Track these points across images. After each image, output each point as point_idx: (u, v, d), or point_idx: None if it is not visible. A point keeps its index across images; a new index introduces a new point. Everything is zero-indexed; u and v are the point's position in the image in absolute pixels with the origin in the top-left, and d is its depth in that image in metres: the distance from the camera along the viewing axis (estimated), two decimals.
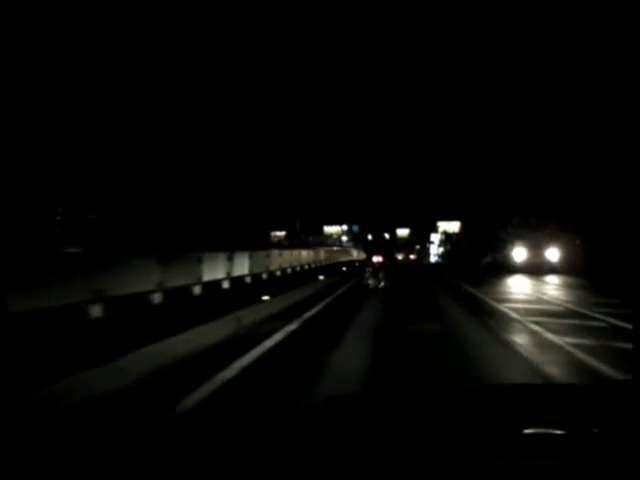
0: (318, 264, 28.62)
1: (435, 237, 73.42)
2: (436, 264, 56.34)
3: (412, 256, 57.36)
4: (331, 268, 27.31)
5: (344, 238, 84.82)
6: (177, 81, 26.23)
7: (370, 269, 21.56)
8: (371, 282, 19.97)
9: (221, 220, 29.39)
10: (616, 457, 1.16)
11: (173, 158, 26.04)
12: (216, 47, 29.96)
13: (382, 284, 19.90)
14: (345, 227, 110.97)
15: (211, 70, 29.10)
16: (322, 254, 32.41)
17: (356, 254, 50.86)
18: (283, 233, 56.91)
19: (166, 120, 25.17)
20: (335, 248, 45.07)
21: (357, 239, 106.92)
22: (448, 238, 58.14)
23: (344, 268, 27.29)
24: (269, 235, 50.11)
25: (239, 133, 32.96)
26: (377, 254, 27.62)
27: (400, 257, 49.85)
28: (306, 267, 25.42)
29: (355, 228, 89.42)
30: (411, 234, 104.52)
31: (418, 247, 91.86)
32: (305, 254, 26.56)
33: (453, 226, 64.43)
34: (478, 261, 32.18)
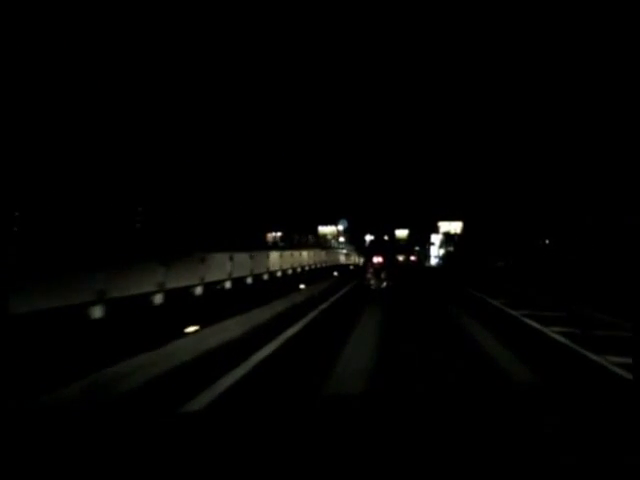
0: (265, 276, 18.06)
1: (436, 238, 73.30)
2: (439, 268, 53.69)
3: (413, 257, 57.42)
4: (279, 284, 16.41)
5: (341, 239, 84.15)
6: (177, 85, 26.50)
7: (372, 270, 22.21)
8: (373, 283, 20.37)
9: (217, 220, 29.42)
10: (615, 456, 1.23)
11: (171, 159, 26.19)
12: (215, 49, 30.15)
13: (384, 284, 20.28)
14: (341, 227, 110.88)
15: (210, 75, 29.37)
16: (273, 260, 19.92)
17: (344, 258, 41.31)
18: (279, 234, 56.80)
19: (166, 122, 25.37)
20: (305, 252, 27.29)
21: (352, 240, 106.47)
22: (450, 239, 58.15)
23: (302, 286, 15.50)
24: (265, 236, 49.97)
25: (235, 133, 33.07)
26: (377, 255, 28.28)
27: (401, 259, 49.83)
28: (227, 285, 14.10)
29: (343, 224, 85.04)
30: (410, 235, 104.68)
31: (418, 248, 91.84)
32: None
33: (455, 226, 64.21)
34: (486, 265, 30.69)
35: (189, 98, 27.77)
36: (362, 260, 44.99)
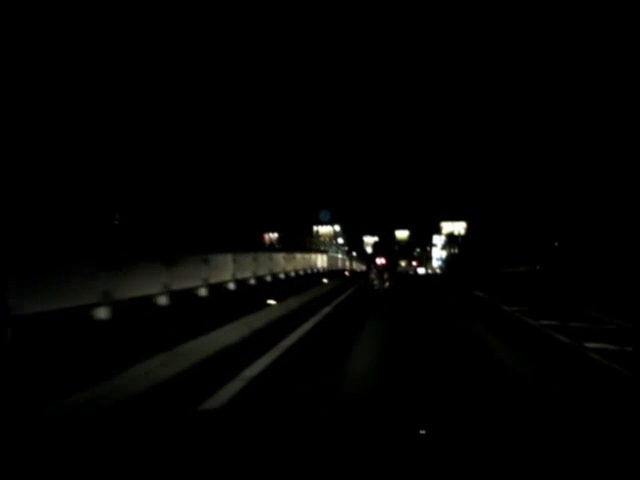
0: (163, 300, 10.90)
1: (438, 239, 72.83)
2: (444, 274, 50.05)
3: (414, 262, 57.28)
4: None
5: (340, 240, 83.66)
6: (175, 87, 26.87)
7: (375, 271, 23.54)
8: (376, 283, 21.65)
9: (215, 221, 29.46)
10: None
11: (168, 159, 26.39)
12: (210, 46, 30.43)
13: (387, 284, 21.58)
14: (337, 227, 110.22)
15: (205, 74, 29.64)
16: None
17: (324, 263, 29.02)
18: (276, 235, 56.64)
19: (162, 121, 25.63)
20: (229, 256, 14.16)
21: (349, 241, 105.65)
22: (453, 240, 57.95)
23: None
24: (262, 237, 49.83)
25: (230, 132, 33.20)
26: (380, 256, 29.69)
27: (403, 264, 49.22)
28: None
29: (325, 216, 79.82)
30: (411, 236, 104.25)
31: (419, 250, 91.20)
32: None
33: (458, 227, 63.51)
34: (501, 269, 28.65)
35: (183, 96, 28.01)
36: (351, 265, 42.14)
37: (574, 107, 32.19)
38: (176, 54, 27.54)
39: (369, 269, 28.35)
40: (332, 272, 28.05)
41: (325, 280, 20.86)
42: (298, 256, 23.38)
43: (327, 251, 38.31)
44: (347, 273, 30.30)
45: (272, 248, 40.10)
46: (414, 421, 1.70)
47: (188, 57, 28.42)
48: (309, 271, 24.35)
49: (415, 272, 49.58)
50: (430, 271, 59.79)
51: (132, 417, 2.31)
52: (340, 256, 41.21)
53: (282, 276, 19.25)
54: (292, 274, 20.88)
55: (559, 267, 25.61)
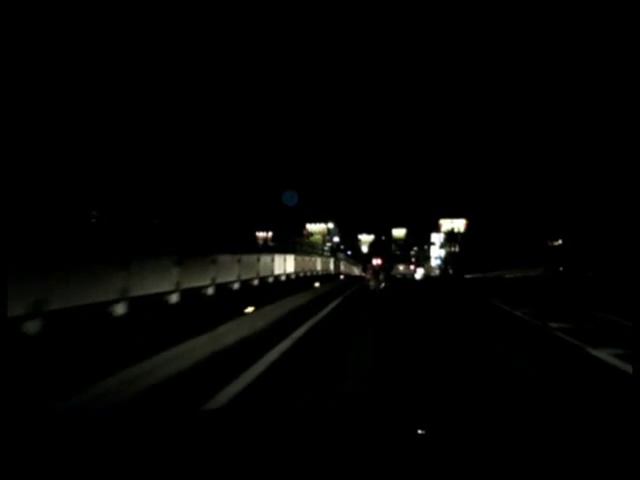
0: None
1: (436, 237, 71.76)
2: (443, 278, 47.03)
3: (412, 266, 56.60)
4: None
5: (336, 239, 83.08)
6: (169, 85, 26.95)
7: (371, 271, 25.84)
8: (372, 284, 23.12)
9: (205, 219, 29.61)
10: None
11: (161, 156, 26.53)
12: (205, 46, 30.62)
13: (383, 285, 23.06)
14: (331, 225, 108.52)
15: (197, 69, 29.77)
16: None
17: (283, 267, 20.44)
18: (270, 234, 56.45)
19: (155, 120, 25.80)
20: None
21: (343, 238, 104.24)
22: (452, 238, 57.31)
23: None
24: (255, 236, 49.69)
25: (220, 129, 33.33)
26: (376, 257, 31.07)
27: (401, 268, 47.76)
28: None
29: (292, 199, 73.27)
30: (408, 234, 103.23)
31: (416, 249, 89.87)
32: None
33: (458, 224, 62.20)
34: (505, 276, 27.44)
35: (175, 93, 28.15)
36: (336, 269, 39.27)
37: (575, 97, 32.53)
38: (160, 52, 27.66)
39: (365, 270, 29.66)
40: (298, 282, 20.80)
41: (248, 309, 9.67)
42: (225, 260, 13.95)
43: (312, 251, 30.52)
44: (317, 284, 20.57)
45: (266, 247, 39.82)
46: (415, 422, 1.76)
47: (173, 57, 28.56)
48: (255, 282, 16.38)
49: (412, 276, 47.84)
50: (431, 273, 58.23)
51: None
52: (319, 259, 30.33)
53: (175, 299, 10.47)
54: (209, 291, 12.51)
55: (586, 270, 22.65)
